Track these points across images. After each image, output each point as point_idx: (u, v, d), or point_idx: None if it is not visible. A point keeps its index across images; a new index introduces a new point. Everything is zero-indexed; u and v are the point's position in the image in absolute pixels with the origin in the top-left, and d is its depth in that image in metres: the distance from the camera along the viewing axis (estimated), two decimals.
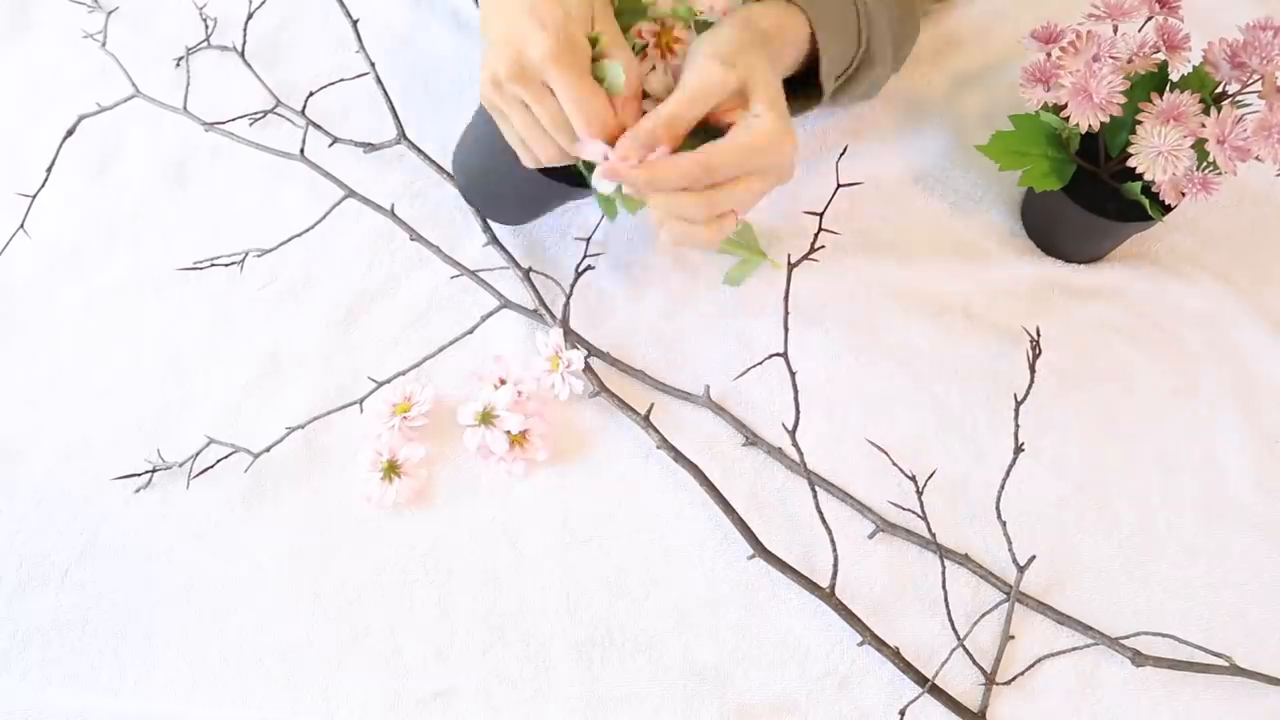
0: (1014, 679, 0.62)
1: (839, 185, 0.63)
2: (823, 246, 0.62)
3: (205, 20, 0.84)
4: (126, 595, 0.66)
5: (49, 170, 0.76)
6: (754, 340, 0.72)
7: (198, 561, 0.66)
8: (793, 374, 0.64)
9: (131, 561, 0.67)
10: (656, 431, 0.67)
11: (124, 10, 0.86)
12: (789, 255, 0.63)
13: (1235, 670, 0.61)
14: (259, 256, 0.74)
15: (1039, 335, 0.67)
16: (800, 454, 0.65)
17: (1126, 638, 0.63)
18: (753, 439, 0.68)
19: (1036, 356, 0.66)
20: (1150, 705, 0.62)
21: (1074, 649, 0.63)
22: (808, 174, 0.76)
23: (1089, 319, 0.73)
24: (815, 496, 0.64)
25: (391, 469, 0.67)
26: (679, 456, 0.67)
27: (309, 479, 0.69)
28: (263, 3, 0.82)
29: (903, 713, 0.61)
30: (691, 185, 0.52)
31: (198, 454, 0.67)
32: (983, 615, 0.63)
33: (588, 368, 0.70)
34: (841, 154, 0.69)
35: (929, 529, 0.64)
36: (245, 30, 0.81)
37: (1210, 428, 0.70)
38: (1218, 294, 0.74)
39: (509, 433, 0.67)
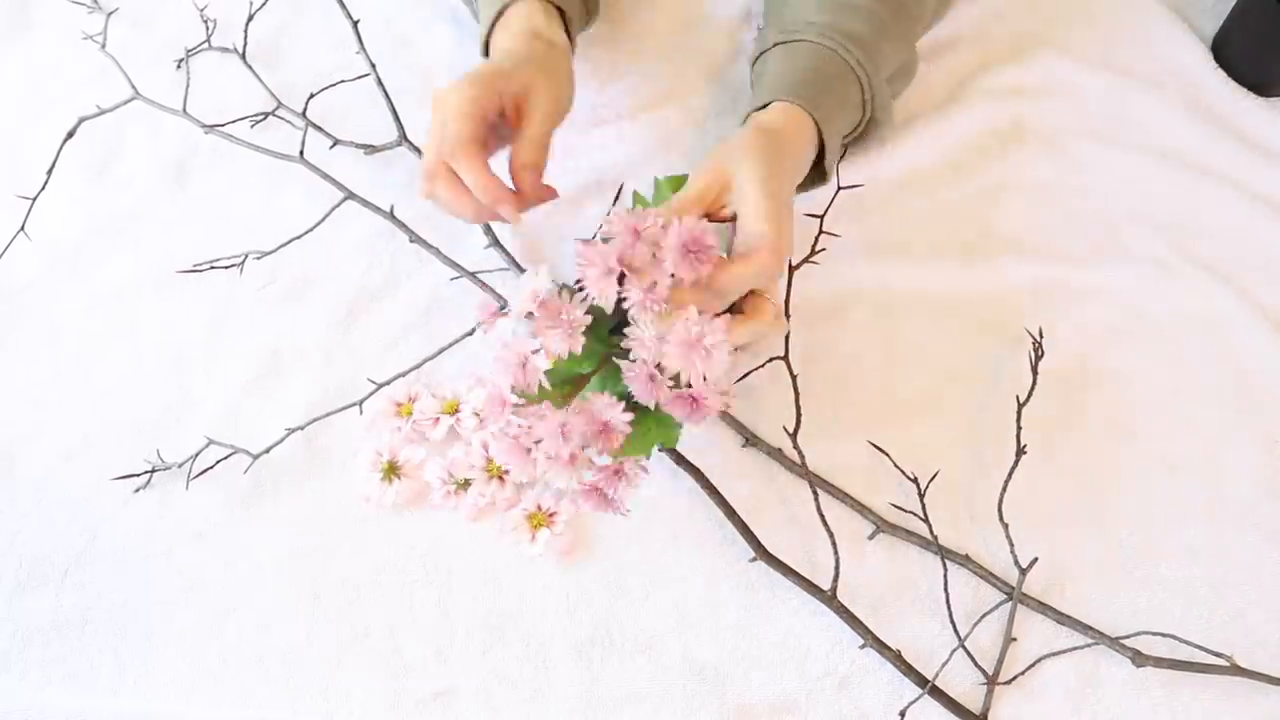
0: (1015, 678, 0.62)
1: (840, 187, 0.63)
2: (823, 249, 0.62)
3: (206, 22, 0.84)
4: (126, 595, 0.66)
5: (49, 173, 0.76)
6: (757, 342, 0.72)
7: (197, 561, 0.66)
8: (793, 377, 0.64)
9: (131, 562, 0.67)
10: None
11: (124, 10, 0.86)
12: (789, 259, 0.63)
13: (1236, 670, 0.61)
14: (259, 259, 0.74)
15: (1042, 336, 0.67)
16: (802, 457, 0.65)
17: (1127, 637, 0.63)
18: (752, 440, 0.68)
19: (1039, 358, 0.66)
20: (1150, 706, 0.62)
21: (1074, 649, 0.63)
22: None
23: (1089, 319, 0.73)
24: (816, 499, 0.64)
25: (391, 470, 0.67)
26: (680, 459, 0.67)
27: (309, 479, 0.69)
28: (264, 3, 0.82)
29: (903, 713, 0.61)
30: (696, 300, 0.56)
31: (197, 455, 0.67)
32: (983, 616, 0.63)
33: None
34: (841, 156, 0.69)
35: (930, 531, 0.64)
36: (246, 32, 0.81)
37: (1210, 428, 0.70)
38: (1218, 294, 0.74)
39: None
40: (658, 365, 0.53)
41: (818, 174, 0.68)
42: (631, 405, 0.55)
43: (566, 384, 0.57)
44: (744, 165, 0.58)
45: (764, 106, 0.65)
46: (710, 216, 0.59)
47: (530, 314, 0.54)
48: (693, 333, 0.53)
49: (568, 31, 0.70)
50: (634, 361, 0.54)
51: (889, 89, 0.71)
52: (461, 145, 0.59)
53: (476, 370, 0.70)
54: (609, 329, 0.57)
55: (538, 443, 0.53)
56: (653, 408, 0.55)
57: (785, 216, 0.57)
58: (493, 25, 0.68)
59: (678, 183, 0.59)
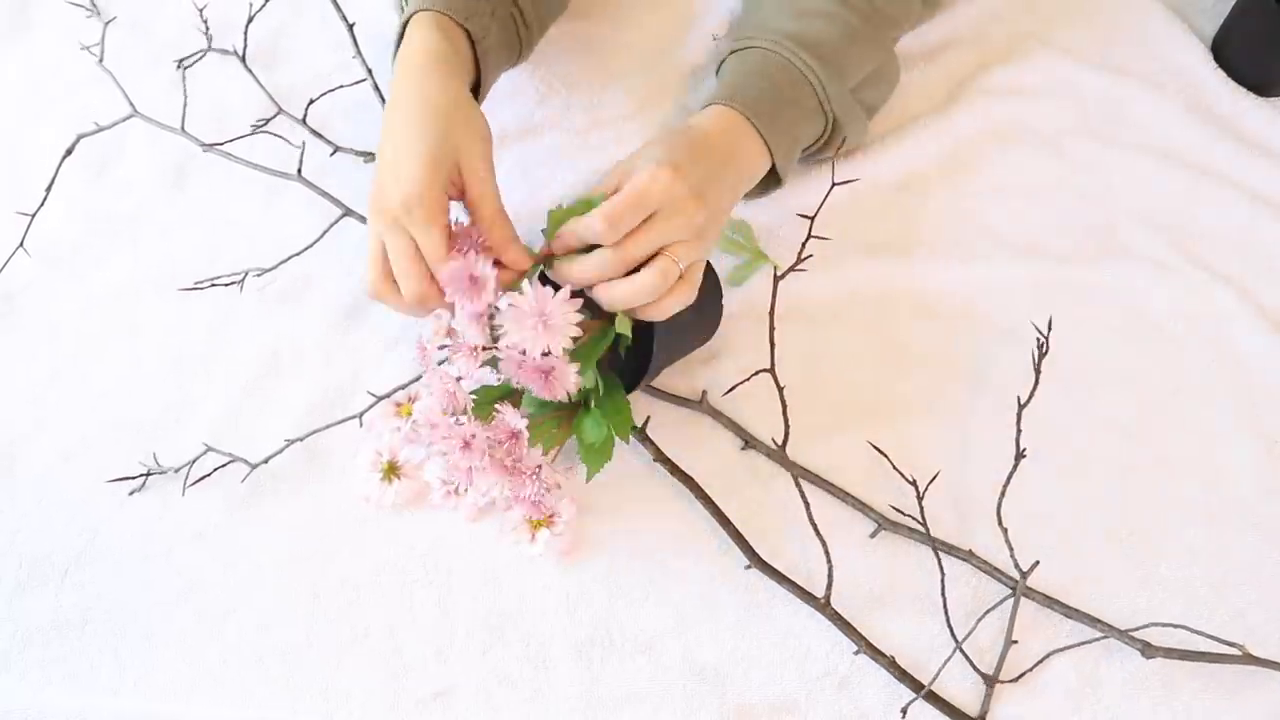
0: (1020, 677, 0.62)
1: (834, 184, 0.63)
2: (810, 255, 0.62)
3: (205, 24, 0.83)
4: (126, 595, 0.66)
5: (48, 190, 0.76)
6: (756, 342, 0.72)
7: (197, 562, 0.66)
8: (780, 389, 0.64)
9: (131, 562, 0.67)
10: (653, 445, 0.67)
11: (123, 13, 0.86)
12: (775, 267, 0.63)
13: (1248, 659, 0.61)
14: (259, 275, 0.74)
15: (1050, 327, 0.66)
16: (793, 467, 0.65)
17: (1136, 629, 0.62)
18: (750, 443, 0.68)
19: (1043, 357, 0.65)
20: (1150, 704, 0.62)
21: (1082, 643, 0.63)
22: (809, 175, 0.76)
23: (1089, 319, 0.73)
24: (808, 508, 0.64)
25: (391, 470, 0.67)
26: (675, 470, 0.67)
27: (309, 480, 0.69)
28: (263, 5, 0.82)
29: (904, 711, 0.61)
30: (598, 238, 0.57)
31: (194, 461, 0.67)
32: (984, 615, 0.63)
33: None
34: (837, 152, 0.69)
35: (927, 530, 0.64)
36: (245, 35, 0.81)
37: (1210, 428, 0.70)
38: (1218, 294, 0.74)
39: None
40: (521, 349, 0.55)
41: (774, 179, 0.68)
42: (575, 404, 0.59)
43: (501, 399, 0.60)
44: (644, 150, 0.60)
45: (701, 110, 0.65)
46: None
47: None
48: (528, 306, 0.55)
49: (476, 58, 0.66)
50: (504, 345, 0.56)
51: (860, 96, 0.71)
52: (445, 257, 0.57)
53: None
54: None
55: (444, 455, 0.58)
56: (533, 391, 0.57)
57: (669, 174, 0.57)
58: (399, 40, 0.66)
59: (568, 212, 0.60)
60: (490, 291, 0.56)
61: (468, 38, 0.65)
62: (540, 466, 0.59)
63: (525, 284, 0.56)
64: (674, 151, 0.59)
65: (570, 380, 0.56)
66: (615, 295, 0.58)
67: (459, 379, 0.58)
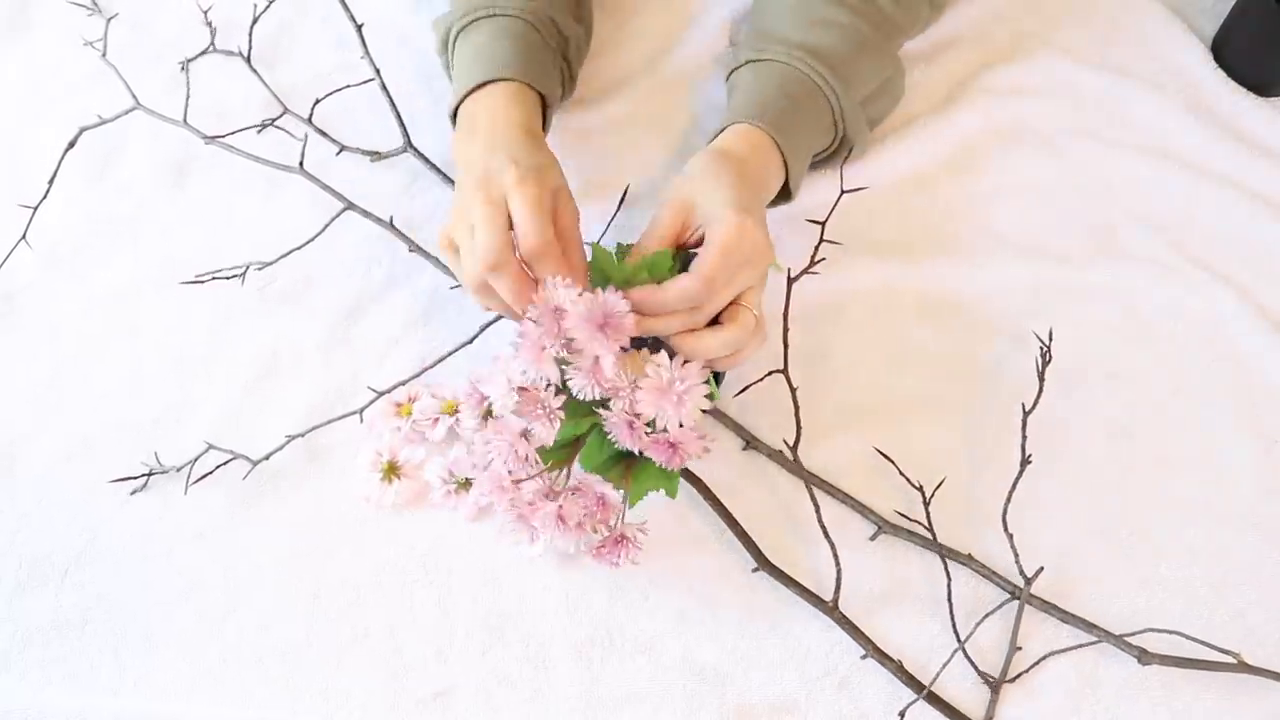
0: (1017, 677, 0.62)
1: (843, 191, 0.63)
2: (823, 259, 0.62)
3: (210, 24, 0.83)
4: (126, 595, 0.66)
5: (50, 183, 0.76)
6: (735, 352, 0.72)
7: (197, 562, 0.66)
8: (793, 390, 0.64)
9: (131, 562, 0.67)
10: None
11: (124, 11, 0.86)
12: (788, 270, 0.63)
13: (1243, 667, 0.61)
14: (260, 270, 0.74)
15: (1051, 337, 0.66)
16: (802, 470, 0.65)
17: (1132, 635, 0.62)
18: (752, 443, 0.68)
19: (1046, 364, 0.65)
20: (1150, 705, 0.62)
21: (1079, 646, 0.63)
22: (812, 179, 0.76)
23: (1089, 319, 0.73)
24: (818, 510, 0.63)
25: (391, 470, 0.67)
26: (684, 472, 0.66)
27: (309, 479, 0.69)
28: (268, 6, 0.82)
29: (902, 714, 0.61)
30: (692, 303, 0.56)
31: (196, 459, 0.67)
32: (984, 618, 0.63)
33: None
34: (845, 157, 0.69)
35: (934, 538, 0.64)
36: (250, 35, 0.81)
37: (1210, 428, 0.70)
38: (1218, 294, 0.74)
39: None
40: (635, 413, 0.54)
41: (783, 193, 0.68)
42: (630, 454, 0.57)
43: (563, 448, 0.59)
44: (704, 186, 0.59)
45: (727, 129, 0.66)
46: (682, 246, 0.60)
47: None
48: (664, 379, 0.54)
49: (545, 113, 0.69)
50: (612, 410, 0.55)
51: (866, 110, 0.71)
52: (553, 240, 0.57)
53: (477, 371, 0.70)
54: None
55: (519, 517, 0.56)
56: (636, 452, 0.56)
57: (751, 224, 0.57)
58: (467, 94, 0.66)
59: (624, 266, 0.59)
60: (627, 330, 0.54)
61: (541, 101, 0.68)
62: (624, 531, 0.59)
63: (663, 356, 0.55)
64: (741, 195, 0.59)
65: (698, 449, 0.55)
66: (700, 350, 0.57)
67: (524, 432, 0.55)
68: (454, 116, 0.68)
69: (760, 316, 0.59)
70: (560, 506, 0.56)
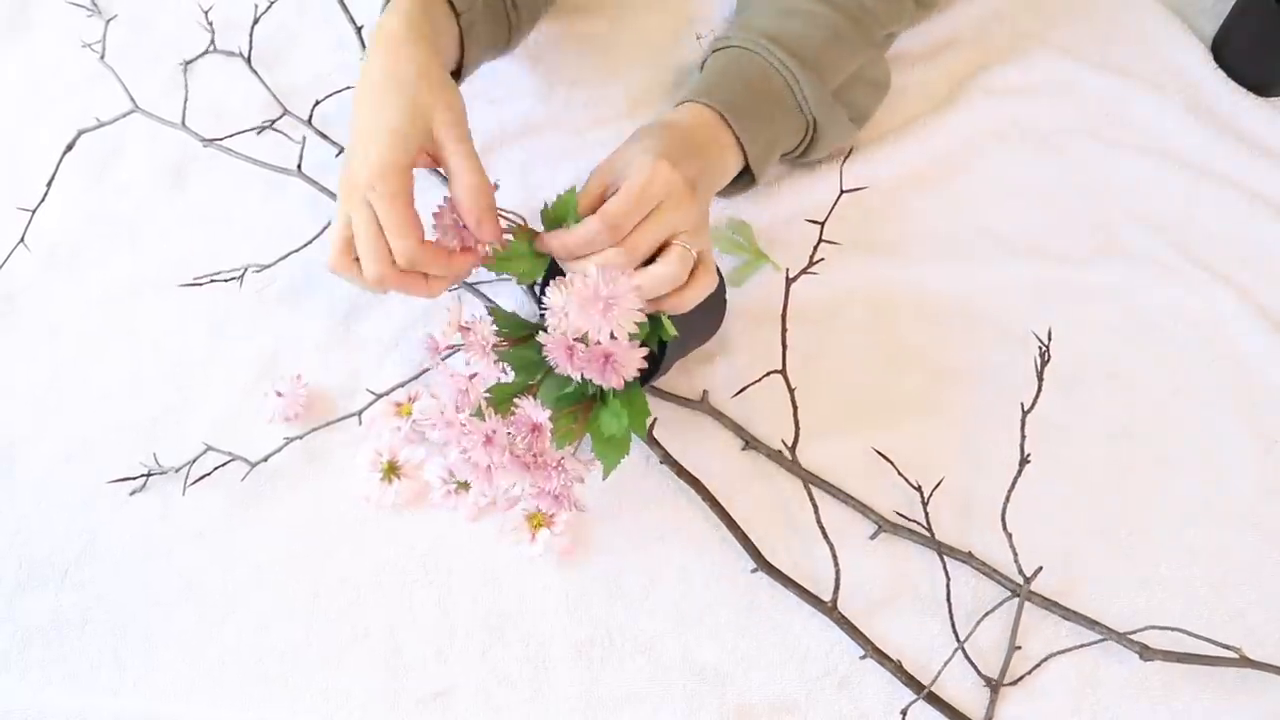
0: (1020, 679, 0.62)
1: (842, 191, 0.63)
2: (822, 259, 0.62)
3: (210, 26, 0.83)
4: (126, 595, 0.66)
5: (49, 184, 0.76)
6: (753, 343, 0.72)
7: (197, 562, 0.66)
8: (791, 390, 0.64)
9: (131, 562, 0.67)
10: (659, 447, 0.67)
11: (124, 12, 0.86)
12: (786, 270, 0.63)
13: (1245, 662, 0.61)
14: (258, 272, 0.74)
15: (1050, 337, 0.66)
16: (801, 470, 0.65)
17: (1134, 632, 0.62)
18: (752, 443, 0.68)
19: (1045, 364, 0.65)
20: (1150, 705, 0.62)
21: (1081, 645, 0.63)
22: (811, 178, 0.76)
23: (1089, 319, 0.73)
24: (816, 511, 0.63)
25: (391, 470, 0.67)
26: (682, 472, 0.67)
27: (308, 479, 0.69)
28: (269, 7, 0.82)
29: (904, 713, 0.61)
30: (600, 243, 0.56)
31: (194, 460, 0.67)
32: (983, 617, 0.63)
33: None
34: (845, 157, 0.69)
35: (933, 537, 0.64)
36: (251, 36, 0.81)
37: (1210, 428, 0.70)
38: (1218, 294, 0.74)
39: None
40: (573, 335, 0.53)
41: (748, 177, 0.67)
42: (591, 398, 0.57)
43: (517, 395, 0.58)
44: (627, 147, 0.59)
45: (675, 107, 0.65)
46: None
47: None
48: (593, 290, 0.53)
49: (461, 34, 0.66)
50: (550, 333, 0.54)
51: (845, 98, 0.70)
52: (419, 242, 0.56)
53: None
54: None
55: (464, 453, 0.55)
56: (577, 379, 0.55)
57: (666, 166, 0.57)
58: (383, 7, 0.64)
59: (560, 206, 0.58)
60: (626, 308, 0.53)
61: (452, 12, 0.64)
62: (563, 459, 0.57)
63: (590, 266, 0.54)
64: (667, 145, 0.59)
65: (634, 365, 0.54)
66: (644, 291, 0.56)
67: (471, 376, 0.57)
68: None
69: (702, 259, 0.58)
70: (489, 433, 0.55)
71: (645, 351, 0.55)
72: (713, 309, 0.67)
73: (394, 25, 0.60)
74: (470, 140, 0.58)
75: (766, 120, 0.66)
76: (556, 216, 0.59)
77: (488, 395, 0.57)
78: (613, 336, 0.53)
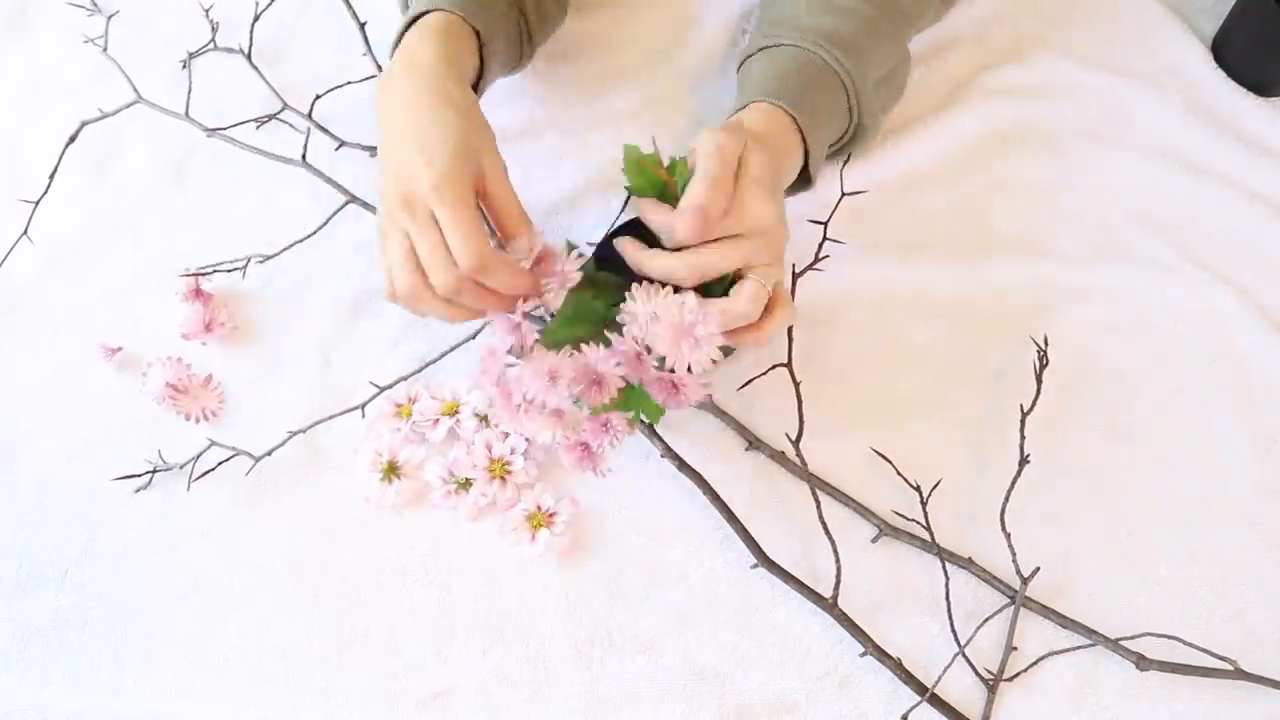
0: (1015, 676, 0.62)
1: (844, 193, 0.63)
2: (826, 256, 0.62)
3: (212, 24, 0.83)
4: (126, 595, 0.66)
5: (51, 177, 0.76)
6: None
7: (197, 561, 0.67)
8: (796, 384, 0.64)
9: (131, 561, 0.67)
10: (660, 440, 0.67)
11: (124, 10, 0.86)
12: (794, 265, 0.63)
13: (1239, 674, 0.61)
14: (261, 263, 0.74)
15: (1047, 344, 0.66)
16: (804, 464, 0.65)
17: (1129, 639, 0.62)
18: (755, 443, 0.68)
19: (1044, 366, 0.65)
20: (1149, 705, 0.62)
21: (1078, 647, 0.63)
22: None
23: (1089, 319, 0.73)
24: (819, 507, 0.64)
25: (391, 470, 0.67)
26: (683, 465, 0.67)
27: (309, 479, 0.69)
28: (270, 4, 0.82)
29: (905, 717, 0.61)
30: (690, 234, 0.54)
31: (198, 456, 0.67)
32: (983, 623, 0.63)
33: None
34: (845, 161, 0.69)
35: (932, 538, 0.64)
36: (251, 33, 0.81)
37: (1210, 428, 0.70)
38: (1218, 294, 0.74)
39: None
40: (646, 345, 0.53)
41: (802, 179, 0.67)
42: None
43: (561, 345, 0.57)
44: (750, 149, 0.57)
45: (745, 108, 0.64)
46: None
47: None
48: (685, 320, 0.53)
49: (482, 61, 0.66)
50: (625, 337, 0.54)
51: (877, 95, 0.70)
52: (490, 254, 0.55)
53: (476, 370, 0.70)
54: (613, 301, 0.57)
55: (527, 398, 0.54)
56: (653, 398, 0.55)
57: (772, 193, 0.56)
58: (402, 33, 0.64)
59: (650, 161, 0.57)
60: (711, 345, 0.53)
61: (476, 39, 0.65)
62: (611, 417, 0.56)
63: (681, 295, 0.54)
64: (765, 169, 0.57)
65: (699, 396, 0.55)
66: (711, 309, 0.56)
67: (528, 313, 0.56)
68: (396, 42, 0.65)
69: (778, 294, 0.57)
70: (553, 368, 0.53)
71: (709, 384, 0.55)
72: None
73: (432, 56, 0.61)
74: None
75: (825, 120, 0.65)
76: (638, 168, 0.57)
77: (539, 337, 0.56)
78: (689, 369, 0.53)
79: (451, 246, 0.55)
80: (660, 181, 0.57)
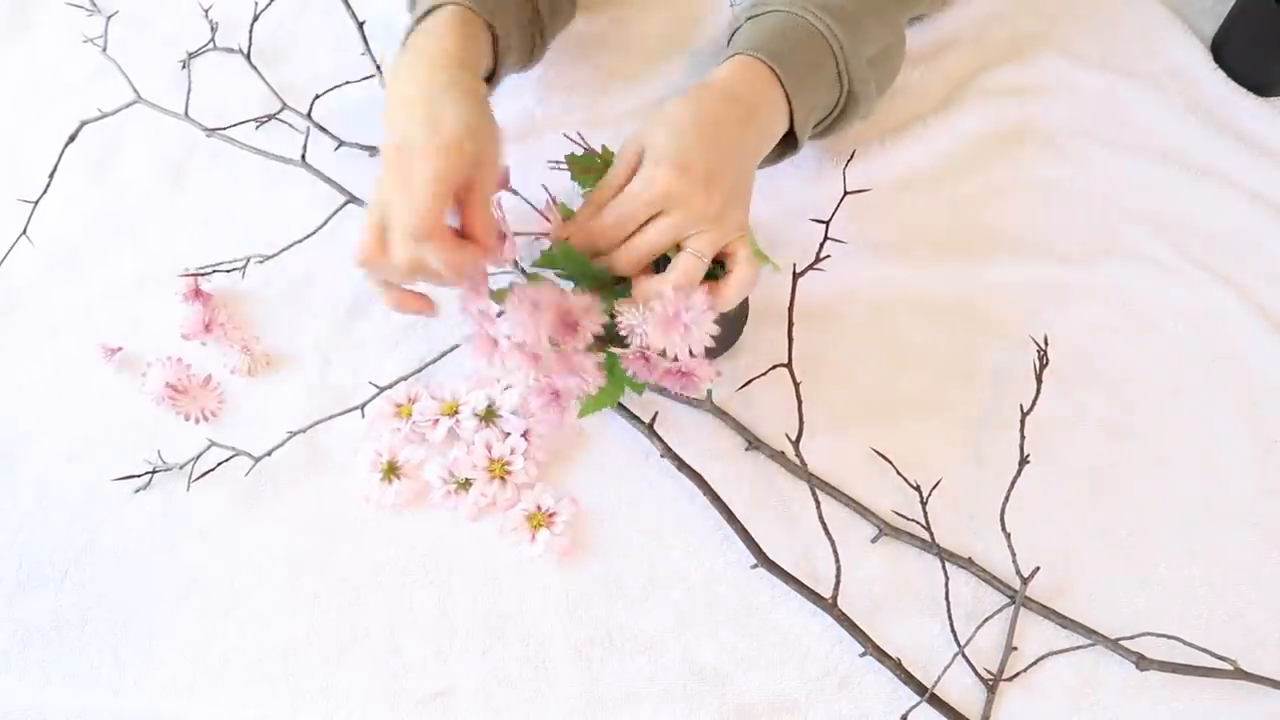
0: (1015, 676, 0.62)
1: (845, 193, 0.62)
2: (828, 256, 0.62)
3: (212, 25, 0.83)
4: (126, 595, 0.66)
5: (51, 176, 0.76)
6: (754, 342, 0.72)
7: (197, 561, 0.67)
8: (796, 385, 0.64)
9: (131, 561, 0.67)
10: (660, 440, 0.67)
11: (124, 10, 0.86)
12: (795, 264, 0.63)
13: (1239, 674, 0.61)
14: (260, 263, 0.74)
15: (1047, 344, 0.66)
16: (804, 464, 0.65)
17: (1129, 639, 0.62)
18: (755, 444, 0.68)
19: (1044, 366, 0.65)
20: (1150, 705, 0.62)
21: (1077, 647, 0.63)
22: (812, 179, 0.76)
23: (1089, 319, 0.73)
24: (819, 507, 0.64)
25: (391, 470, 0.67)
26: (683, 465, 0.67)
27: (309, 479, 0.69)
28: (269, 4, 0.82)
29: (905, 717, 0.61)
30: (603, 240, 0.57)
31: (198, 456, 0.67)
32: (984, 621, 0.63)
33: None
34: (849, 160, 0.69)
35: (932, 538, 0.64)
36: (251, 33, 0.81)
37: (1210, 428, 0.70)
38: (1218, 294, 0.74)
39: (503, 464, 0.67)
40: (646, 348, 0.55)
41: (790, 142, 0.66)
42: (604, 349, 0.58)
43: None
44: (654, 132, 0.58)
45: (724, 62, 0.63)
46: None
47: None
48: (670, 311, 0.54)
49: (496, 55, 0.66)
50: (630, 349, 0.56)
51: (873, 73, 0.68)
52: (440, 224, 0.55)
53: (475, 370, 0.70)
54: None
55: (509, 336, 0.54)
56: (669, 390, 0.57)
57: (664, 174, 0.56)
58: (416, 23, 0.64)
59: (586, 159, 0.60)
60: (700, 327, 0.55)
61: (491, 34, 0.65)
62: (576, 356, 0.56)
63: (666, 289, 0.55)
64: (679, 142, 0.58)
65: (710, 376, 0.56)
66: (649, 292, 0.57)
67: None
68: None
69: (733, 257, 0.58)
70: (535, 301, 0.53)
71: (717, 365, 0.57)
72: (736, 319, 0.68)
73: (443, 46, 0.60)
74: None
75: (813, 83, 0.64)
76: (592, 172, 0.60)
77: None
78: (690, 354, 0.55)
79: (403, 205, 0.54)
80: (599, 168, 0.60)
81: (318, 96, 0.78)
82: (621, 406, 0.69)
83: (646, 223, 0.58)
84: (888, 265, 0.75)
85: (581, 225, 0.58)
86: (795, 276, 0.63)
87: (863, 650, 0.63)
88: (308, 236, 0.74)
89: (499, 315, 0.55)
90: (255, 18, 0.81)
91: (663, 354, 0.55)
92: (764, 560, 0.64)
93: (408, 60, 0.61)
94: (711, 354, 0.68)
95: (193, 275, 0.74)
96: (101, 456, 0.70)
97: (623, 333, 0.56)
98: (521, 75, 0.80)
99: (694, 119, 0.59)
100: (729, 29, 0.70)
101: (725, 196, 0.58)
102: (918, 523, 0.65)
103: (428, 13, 0.63)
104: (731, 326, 0.69)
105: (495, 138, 0.58)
